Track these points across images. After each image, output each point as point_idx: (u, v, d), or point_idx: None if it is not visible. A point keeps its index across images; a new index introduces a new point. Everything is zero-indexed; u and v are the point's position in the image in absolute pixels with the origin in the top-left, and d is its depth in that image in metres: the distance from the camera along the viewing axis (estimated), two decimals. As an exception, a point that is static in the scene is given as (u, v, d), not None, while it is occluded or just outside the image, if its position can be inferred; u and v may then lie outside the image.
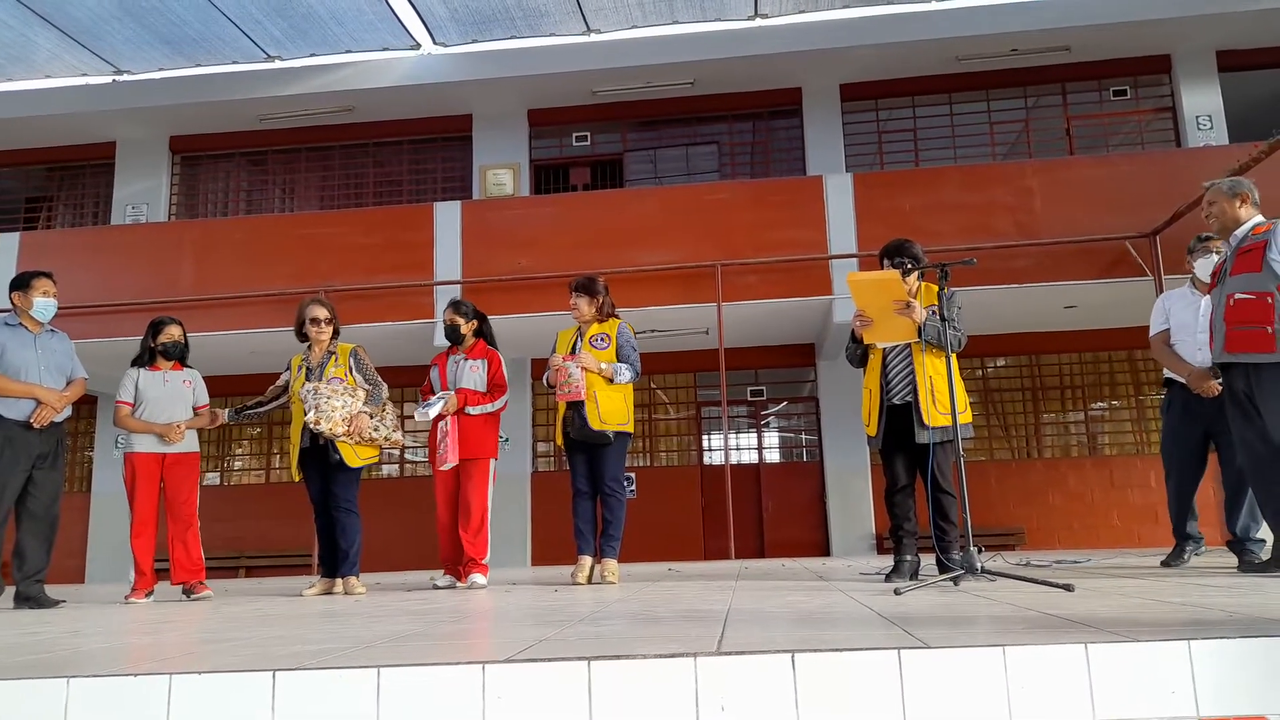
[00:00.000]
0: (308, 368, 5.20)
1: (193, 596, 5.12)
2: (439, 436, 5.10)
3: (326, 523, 5.16)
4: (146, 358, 5.29)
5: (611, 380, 4.86)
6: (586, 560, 4.94)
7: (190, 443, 5.30)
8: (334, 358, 5.21)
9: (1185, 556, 4.72)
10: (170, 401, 5.22)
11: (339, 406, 4.97)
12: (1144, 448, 10.68)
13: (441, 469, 5.11)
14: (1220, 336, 3.76)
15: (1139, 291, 8.40)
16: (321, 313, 5.24)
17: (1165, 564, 4.71)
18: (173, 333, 5.28)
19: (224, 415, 5.41)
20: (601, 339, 4.97)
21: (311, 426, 4.94)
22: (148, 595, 5.07)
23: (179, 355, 5.33)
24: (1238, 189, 3.82)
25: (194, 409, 5.32)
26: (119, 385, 5.20)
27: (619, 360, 4.93)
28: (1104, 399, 11.08)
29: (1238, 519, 4.50)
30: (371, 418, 5.07)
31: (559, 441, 5.10)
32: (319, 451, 5.08)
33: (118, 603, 5.06)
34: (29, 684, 1.83)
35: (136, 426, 5.13)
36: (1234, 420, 3.79)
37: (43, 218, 12.55)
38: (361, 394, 5.10)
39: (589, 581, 4.86)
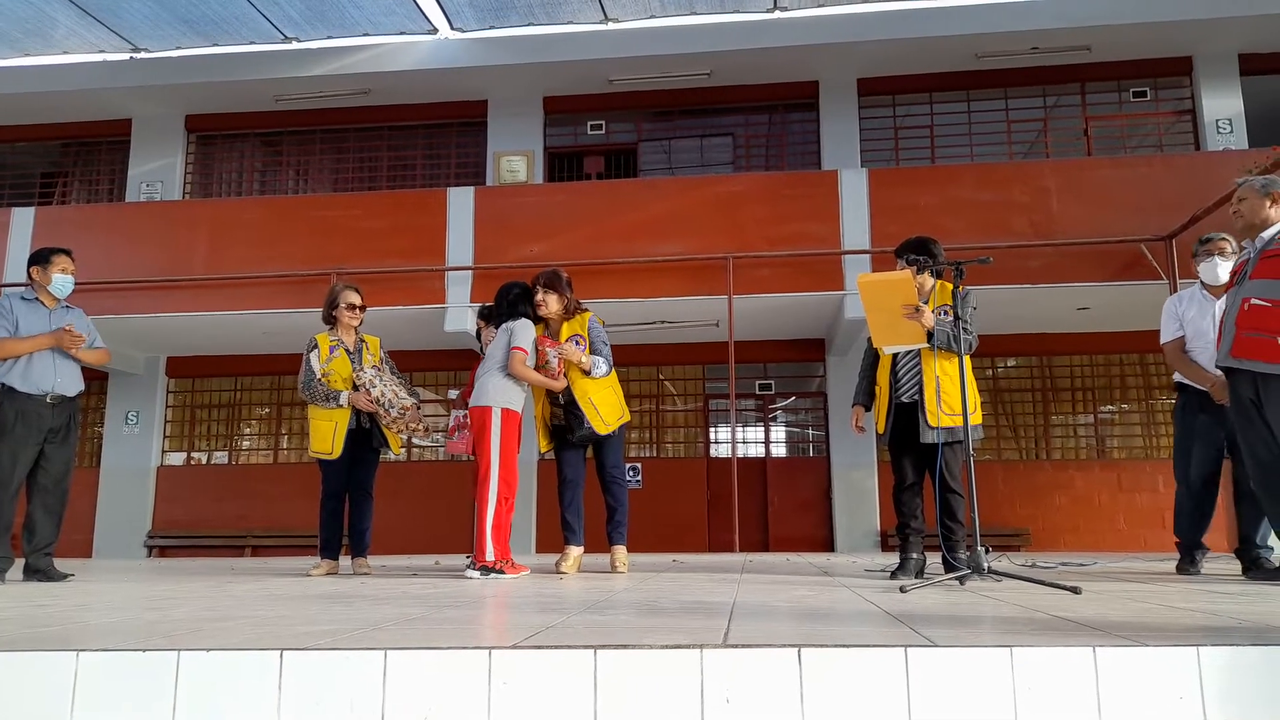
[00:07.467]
0: (346, 350, 5.17)
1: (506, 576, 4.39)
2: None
3: (340, 506, 5.21)
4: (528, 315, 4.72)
5: (588, 373, 4.74)
6: (573, 550, 4.84)
7: None
8: (366, 346, 5.26)
9: (1198, 563, 4.50)
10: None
11: (403, 396, 5.10)
12: (1153, 452, 10.63)
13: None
14: (1229, 339, 3.65)
15: (1153, 295, 8.33)
16: (358, 298, 5.27)
17: (1181, 570, 4.49)
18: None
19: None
20: (577, 339, 4.81)
21: (397, 414, 5.02)
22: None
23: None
24: (1271, 188, 3.66)
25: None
26: (518, 333, 4.56)
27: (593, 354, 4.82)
28: (1114, 402, 11.02)
29: (1258, 526, 4.29)
30: (416, 409, 5.17)
31: (543, 448, 4.90)
32: (362, 436, 5.16)
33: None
34: (38, 656, 1.85)
35: (539, 380, 4.57)
36: (1240, 426, 3.71)
37: (58, 193, 12.60)
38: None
39: (577, 571, 4.78)
